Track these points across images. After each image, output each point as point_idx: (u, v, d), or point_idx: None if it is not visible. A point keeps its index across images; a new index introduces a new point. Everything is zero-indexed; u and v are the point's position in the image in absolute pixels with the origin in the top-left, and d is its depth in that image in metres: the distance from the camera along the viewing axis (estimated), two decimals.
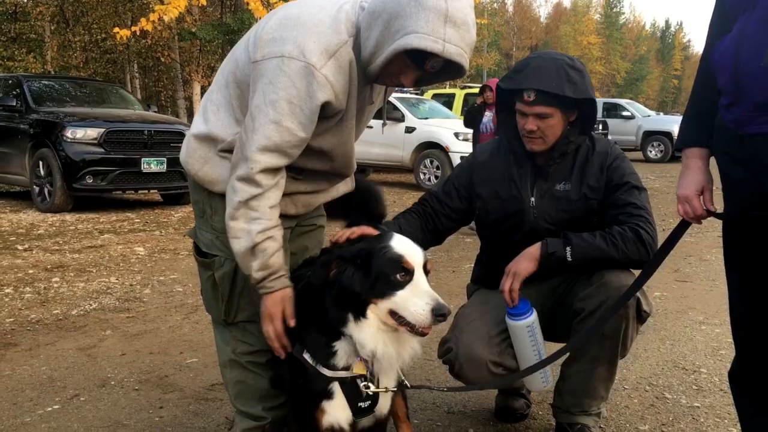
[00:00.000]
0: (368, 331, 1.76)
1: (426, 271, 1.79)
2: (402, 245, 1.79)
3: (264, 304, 1.96)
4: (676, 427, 2.76)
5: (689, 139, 2.02)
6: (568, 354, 2.41)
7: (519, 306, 2.34)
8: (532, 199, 2.47)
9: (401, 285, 1.73)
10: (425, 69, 1.90)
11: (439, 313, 1.70)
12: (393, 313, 1.74)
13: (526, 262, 2.33)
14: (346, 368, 1.86)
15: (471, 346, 2.39)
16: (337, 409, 1.90)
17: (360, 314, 1.76)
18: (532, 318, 2.35)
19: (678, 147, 2.07)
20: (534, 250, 2.34)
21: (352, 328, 1.78)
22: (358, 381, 1.86)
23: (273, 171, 1.92)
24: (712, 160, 1.98)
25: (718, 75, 1.83)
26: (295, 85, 1.84)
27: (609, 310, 2.21)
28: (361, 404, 1.91)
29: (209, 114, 2.09)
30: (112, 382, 3.23)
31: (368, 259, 1.76)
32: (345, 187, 2.36)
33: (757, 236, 1.85)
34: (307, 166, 2.09)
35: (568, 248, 2.30)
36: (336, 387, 1.88)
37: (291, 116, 1.86)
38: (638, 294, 2.29)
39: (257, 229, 1.91)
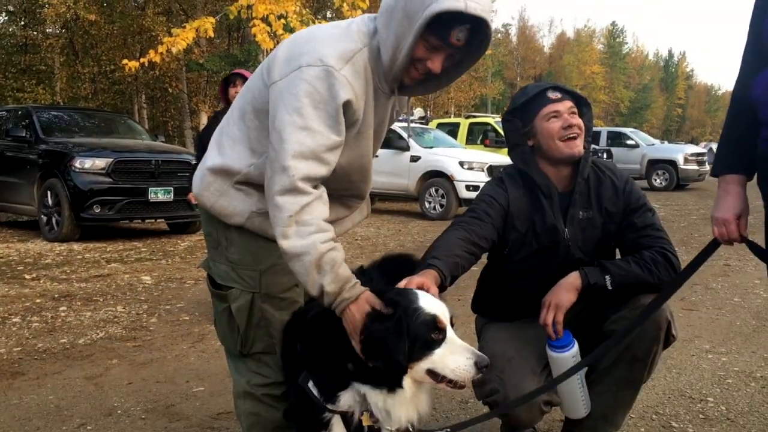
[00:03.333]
0: (401, 402, 1.76)
1: (451, 325, 1.79)
2: (431, 305, 1.78)
3: (348, 316, 1.79)
4: None
5: (728, 166, 2.13)
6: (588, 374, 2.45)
7: (562, 338, 2.30)
8: (565, 228, 2.44)
9: (438, 344, 1.74)
10: (451, 42, 1.90)
11: (482, 366, 1.71)
12: (431, 372, 1.74)
13: (566, 293, 2.29)
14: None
15: (521, 387, 2.29)
16: None
17: (396, 384, 1.74)
18: (576, 348, 2.31)
19: (716, 174, 2.17)
20: (573, 281, 2.30)
21: (381, 398, 1.76)
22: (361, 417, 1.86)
23: (313, 180, 1.85)
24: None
25: (761, 109, 1.94)
26: (317, 89, 1.82)
27: (634, 322, 2.22)
28: None
29: (225, 148, 2.09)
30: (119, 411, 3.23)
31: (402, 325, 1.72)
32: (360, 215, 2.35)
33: None
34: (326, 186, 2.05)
35: (607, 277, 2.29)
36: (336, 419, 1.87)
37: (318, 120, 1.83)
38: (669, 318, 2.34)
39: (319, 240, 1.81)
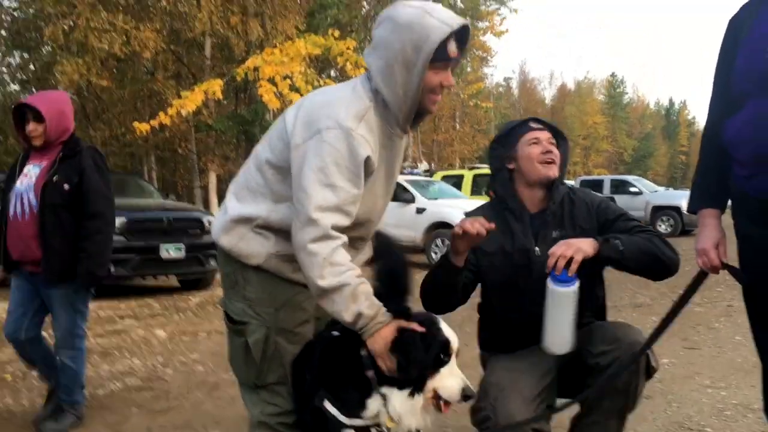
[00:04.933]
0: (415, 408, 2.03)
1: (456, 355, 2.10)
2: (449, 331, 2.09)
3: (379, 336, 2.03)
4: None
5: (705, 203, 2.37)
6: (578, 404, 2.60)
7: (565, 275, 2.34)
8: (536, 247, 2.62)
9: (443, 364, 2.05)
10: (452, 57, 2.20)
11: (466, 394, 2.05)
12: (433, 390, 2.05)
13: (586, 244, 2.37)
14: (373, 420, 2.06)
15: (510, 414, 2.43)
16: None
17: (418, 388, 2.03)
18: (578, 287, 2.36)
19: (693, 209, 2.41)
20: (590, 239, 2.40)
21: (401, 400, 2.02)
22: (372, 429, 2.05)
23: (339, 229, 2.08)
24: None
25: (735, 150, 2.15)
26: (338, 149, 2.07)
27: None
28: None
29: (246, 198, 2.30)
30: None
31: (428, 337, 2.04)
32: (364, 256, 2.54)
33: None
34: None
35: (617, 242, 2.40)
36: None
37: (341, 177, 2.07)
38: (647, 351, 2.47)
39: (353, 275, 2.05)
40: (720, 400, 4.03)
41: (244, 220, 2.29)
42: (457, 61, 2.28)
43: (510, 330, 2.69)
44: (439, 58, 2.16)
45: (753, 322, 2.32)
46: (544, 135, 2.63)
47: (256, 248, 2.26)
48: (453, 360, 2.08)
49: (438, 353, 2.03)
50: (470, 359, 3.76)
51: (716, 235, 2.32)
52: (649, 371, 2.53)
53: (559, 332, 2.46)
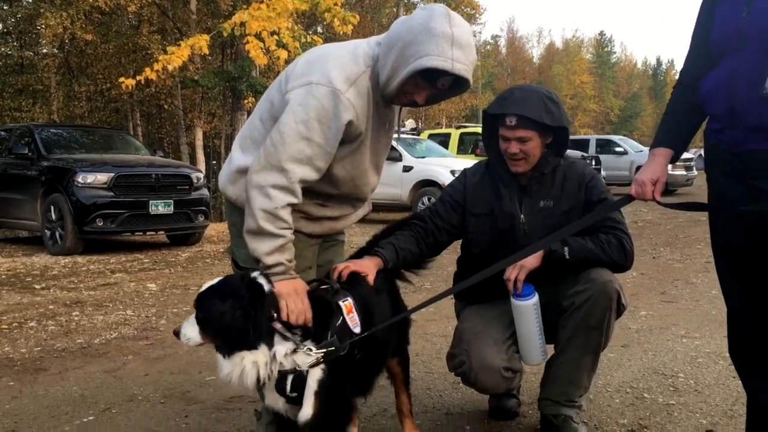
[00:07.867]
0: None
1: None
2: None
3: (290, 284, 2.21)
4: (651, 420, 3.06)
5: (662, 141, 2.43)
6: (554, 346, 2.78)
7: (524, 290, 2.61)
8: (522, 215, 2.76)
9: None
10: (437, 86, 2.27)
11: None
12: None
13: (531, 260, 2.62)
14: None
15: (483, 356, 2.65)
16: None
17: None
18: (537, 299, 2.64)
19: (652, 147, 2.47)
20: (537, 253, 2.62)
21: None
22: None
23: (306, 182, 2.23)
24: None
25: (708, 105, 2.24)
26: (324, 106, 2.17)
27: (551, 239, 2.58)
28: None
29: (249, 149, 2.40)
30: (140, 398, 3.52)
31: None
32: (363, 211, 2.69)
33: (736, 232, 2.27)
34: (331, 192, 2.41)
35: (566, 248, 2.63)
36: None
37: (320, 133, 2.19)
38: (618, 290, 2.65)
39: (288, 233, 2.23)
40: (693, 349, 4.22)
41: (247, 170, 2.39)
42: (440, 93, 2.33)
43: (487, 285, 2.80)
44: (426, 78, 2.22)
45: (718, 265, 2.44)
46: (514, 134, 2.63)
47: None
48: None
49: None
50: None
51: (657, 172, 2.38)
52: (620, 309, 2.70)
53: (529, 342, 2.70)
